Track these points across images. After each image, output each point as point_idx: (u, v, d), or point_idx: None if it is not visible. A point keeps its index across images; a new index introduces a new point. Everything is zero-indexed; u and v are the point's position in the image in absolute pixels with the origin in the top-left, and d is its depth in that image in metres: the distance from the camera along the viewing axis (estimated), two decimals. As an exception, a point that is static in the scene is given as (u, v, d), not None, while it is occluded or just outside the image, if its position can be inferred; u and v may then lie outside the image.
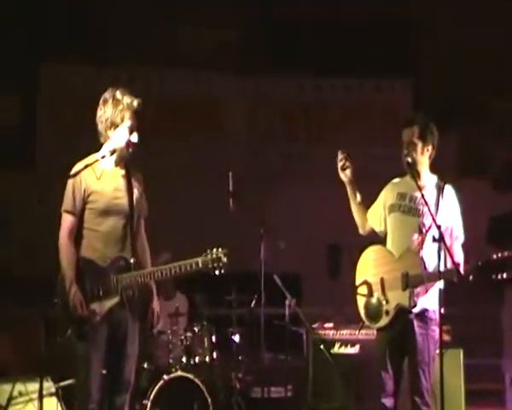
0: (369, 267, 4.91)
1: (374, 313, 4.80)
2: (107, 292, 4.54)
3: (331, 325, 6.25)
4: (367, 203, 5.07)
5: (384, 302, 4.77)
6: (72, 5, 8.64)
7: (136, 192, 4.71)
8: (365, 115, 9.33)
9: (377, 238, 5.04)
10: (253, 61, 9.12)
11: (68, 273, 4.52)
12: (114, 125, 4.63)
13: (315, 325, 6.18)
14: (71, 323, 4.51)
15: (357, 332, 6.07)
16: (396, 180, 5.00)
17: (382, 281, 4.80)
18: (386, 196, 4.99)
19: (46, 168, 8.18)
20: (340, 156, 4.98)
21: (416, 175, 4.82)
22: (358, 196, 5.04)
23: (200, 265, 4.48)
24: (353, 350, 6.11)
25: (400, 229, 4.86)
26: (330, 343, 6.09)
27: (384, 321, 4.77)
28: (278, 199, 8.37)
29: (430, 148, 4.87)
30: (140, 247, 4.75)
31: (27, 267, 7.64)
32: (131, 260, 4.60)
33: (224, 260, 4.49)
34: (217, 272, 4.49)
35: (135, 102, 4.64)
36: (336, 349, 6.14)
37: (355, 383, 5.71)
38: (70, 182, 4.65)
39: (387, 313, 4.76)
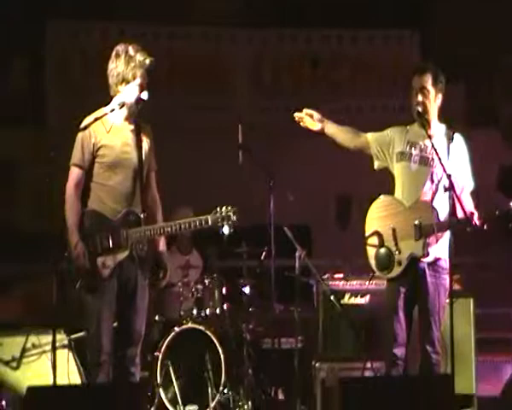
0: (380, 218, 4.89)
1: (385, 263, 4.80)
2: (116, 246, 4.56)
3: (341, 275, 6.26)
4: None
5: (396, 252, 4.77)
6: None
7: (145, 146, 4.72)
8: (373, 67, 9.24)
9: (386, 189, 5.02)
10: (259, 13, 9.03)
11: (71, 225, 4.56)
12: (125, 81, 4.62)
13: (325, 276, 6.18)
14: (80, 275, 4.55)
15: (367, 283, 6.09)
16: (405, 128, 4.97)
17: (394, 231, 4.79)
18: (395, 139, 4.93)
19: (56, 125, 8.15)
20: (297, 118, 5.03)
21: (425, 124, 4.80)
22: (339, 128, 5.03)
23: (209, 222, 4.54)
24: (363, 300, 6.12)
25: (411, 178, 4.85)
26: (340, 294, 6.10)
27: (396, 271, 4.78)
28: (287, 152, 8.33)
29: (440, 95, 4.86)
30: (151, 201, 4.77)
31: (38, 222, 7.66)
32: (141, 215, 4.62)
33: (234, 218, 4.54)
34: (225, 230, 4.52)
35: (147, 61, 4.62)
36: (346, 300, 6.15)
37: (365, 333, 5.73)
38: (79, 135, 4.66)
39: (400, 263, 4.76)
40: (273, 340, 5.96)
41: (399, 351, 4.80)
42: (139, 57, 4.61)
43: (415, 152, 4.88)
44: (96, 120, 4.63)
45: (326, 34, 9.22)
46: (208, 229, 4.57)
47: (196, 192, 7.58)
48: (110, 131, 4.66)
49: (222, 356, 6.04)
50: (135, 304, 4.64)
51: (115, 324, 4.68)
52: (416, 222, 4.70)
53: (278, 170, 5.98)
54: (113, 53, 4.67)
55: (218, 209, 4.55)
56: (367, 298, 6.11)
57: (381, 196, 4.97)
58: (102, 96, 4.74)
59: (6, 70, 8.23)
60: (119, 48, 4.66)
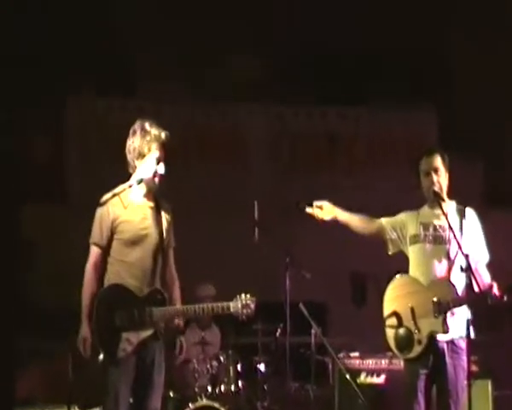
0: (398, 297, 4.88)
1: (405, 343, 4.77)
2: (141, 323, 4.58)
3: (357, 354, 6.22)
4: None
5: (416, 331, 4.75)
6: (98, 36, 8.75)
7: (164, 223, 4.76)
8: (390, 146, 9.33)
9: (402, 267, 5.03)
10: (276, 89, 9.18)
11: (85, 308, 4.60)
12: (142, 156, 4.71)
13: (340, 355, 6.15)
14: (103, 349, 4.56)
15: (383, 362, 6.05)
16: (416, 211, 5.03)
17: (413, 310, 4.78)
18: (408, 223, 4.98)
19: (75, 200, 8.24)
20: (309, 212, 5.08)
21: (441, 203, 4.85)
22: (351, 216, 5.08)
23: (231, 309, 4.67)
24: (379, 380, 6.08)
25: (427, 258, 4.86)
26: (356, 373, 6.05)
27: (416, 351, 4.74)
28: (303, 229, 8.33)
29: (447, 174, 4.95)
30: (169, 278, 4.81)
31: (56, 299, 7.68)
32: (166, 295, 4.67)
33: (252, 307, 4.66)
34: (244, 318, 4.69)
35: (163, 134, 4.73)
36: (362, 379, 6.10)
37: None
38: (98, 212, 4.71)
39: (420, 342, 4.73)
40: (288, 418, 5.91)
41: (418, 433, 4.73)
42: (154, 131, 4.71)
43: (429, 232, 4.92)
44: (114, 196, 4.71)
45: (342, 112, 9.34)
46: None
47: (213, 268, 7.59)
48: (128, 208, 4.71)
49: (236, 434, 5.99)
50: (152, 380, 4.64)
51: (131, 399, 4.67)
52: (435, 299, 4.70)
53: (294, 247, 6.01)
54: (130, 131, 4.78)
55: (239, 297, 4.67)
56: (382, 377, 6.06)
57: (398, 276, 4.98)
58: (121, 171, 4.81)
59: (27, 146, 8.36)
60: (135, 125, 4.78)
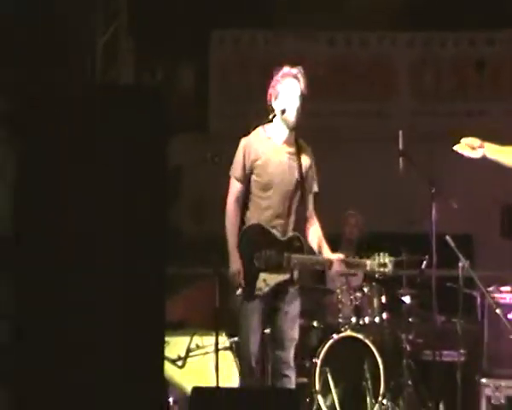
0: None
1: None
2: (278, 267, 4.67)
3: (508, 288, 6.00)
4: None
5: None
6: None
7: (303, 168, 4.70)
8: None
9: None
10: (420, 16, 8.87)
11: (231, 240, 4.69)
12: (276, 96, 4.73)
13: (490, 289, 5.95)
14: (244, 283, 4.65)
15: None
16: None
17: None
18: None
19: (218, 131, 8.37)
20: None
21: None
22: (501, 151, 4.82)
23: (367, 267, 4.82)
24: (533, 316, 5.85)
25: None
26: (507, 308, 5.85)
27: None
28: (449, 158, 8.09)
29: None
30: (309, 225, 4.83)
31: (202, 228, 7.86)
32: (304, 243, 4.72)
33: (390, 267, 4.79)
34: (379, 276, 4.88)
35: (294, 70, 4.69)
36: (513, 314, 5.89)
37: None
38: (241, 147, 4.72)
39: None
40: (434, 352, 5.80)
41: None
42: (285, 69, 4.71)
43: None
44: (257, 135, 4.73)
45: (491, 37, 8.92)
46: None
47: (359, 199, 7.51)
48: (269, 149, 4.71)
49: (381, 366, 5.94)
50: (286, 311, 4.74)
51: (267, 330, 4.82)
52: None
53: (441, 177, 5.84)
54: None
55: (376, 255, 4.78)
56: (537, 314, 5.82)
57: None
58: (262, 103, 4.81)
59: (173, 78, 8.54)
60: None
